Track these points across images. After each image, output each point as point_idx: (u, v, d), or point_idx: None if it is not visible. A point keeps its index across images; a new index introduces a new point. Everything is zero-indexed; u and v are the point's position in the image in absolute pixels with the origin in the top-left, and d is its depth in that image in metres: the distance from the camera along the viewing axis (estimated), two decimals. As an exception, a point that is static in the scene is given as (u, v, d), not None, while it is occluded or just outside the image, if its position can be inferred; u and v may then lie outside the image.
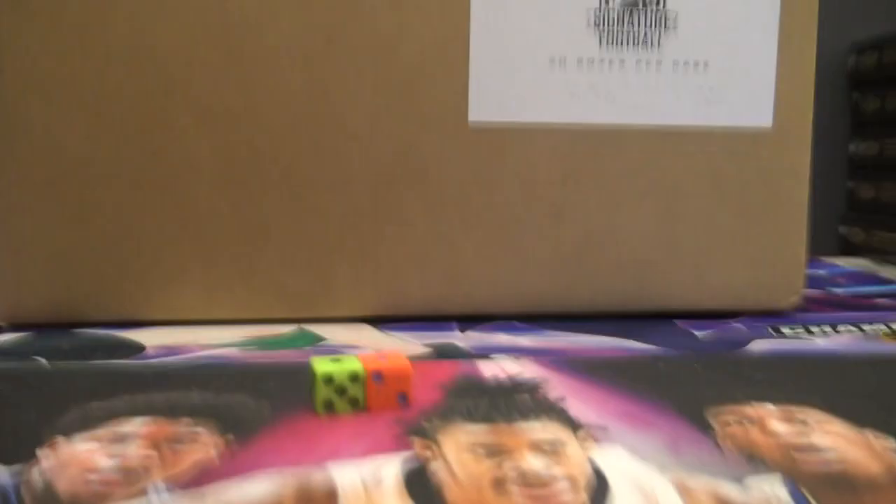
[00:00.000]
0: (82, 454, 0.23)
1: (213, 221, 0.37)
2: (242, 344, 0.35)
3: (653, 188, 0.40)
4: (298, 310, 0.38)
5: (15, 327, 0.37)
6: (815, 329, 0.39)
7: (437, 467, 0.22)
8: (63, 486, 0.21)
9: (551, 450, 0.23)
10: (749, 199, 0.40)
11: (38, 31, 0.35)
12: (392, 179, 0.38)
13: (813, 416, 0.27)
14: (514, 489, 0.21)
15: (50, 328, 0.37)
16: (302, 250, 0.38)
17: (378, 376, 0.26)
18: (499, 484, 0.21)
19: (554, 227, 0.39)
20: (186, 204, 0.37)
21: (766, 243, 0.41)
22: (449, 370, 0.31)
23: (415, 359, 0.33)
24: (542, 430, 0.25)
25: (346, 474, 0.22)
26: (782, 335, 0.38)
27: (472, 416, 0.26)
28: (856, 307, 0.44)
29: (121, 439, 0.24)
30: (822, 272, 0.55)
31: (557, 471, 0.22)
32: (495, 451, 0.23)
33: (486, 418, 0.26)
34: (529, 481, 0.21)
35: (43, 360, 0.32)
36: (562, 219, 0.39)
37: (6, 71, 0.35)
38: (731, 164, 0.40)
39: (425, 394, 0.28)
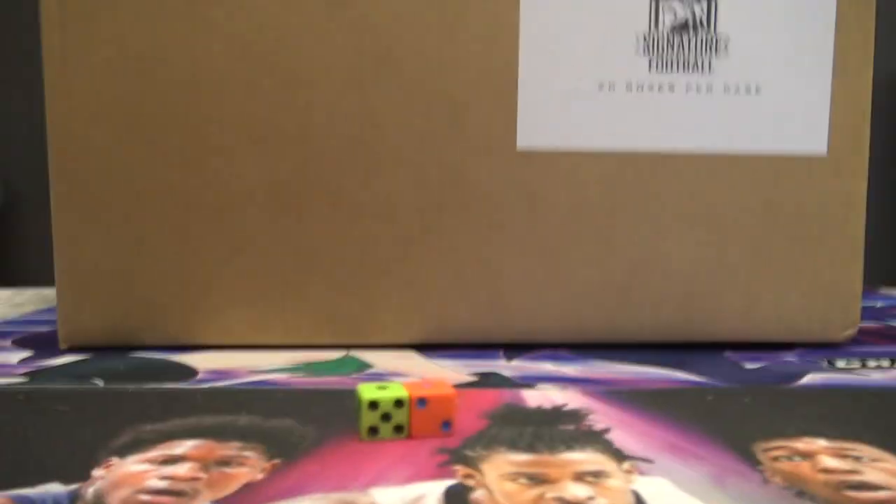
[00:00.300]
0: (135, 474, 0.23)
1: (263, 247, 0.38)
2: (290, 369, 0.36)
3: (703, 215, 0.39)
4: (346, 336, 0.39)
5: (74, 349, 0.38)
6: (871, 363, 0.38)
7: (479, 496, 0.22)
8: (115, 505, 0.22)
9: (594, 480, 0.23)
10: (803, 227, 0.40)
11: (103, 60, 0.36)
12: (440, 206, 0.38)
13: (866, 452, 0.26)
14: (556, 519, 0.21)
15: (107, 351, 0.38)
16: (350, 276, 0.38)
17: (422, 403, 0.26)
18: (541, 514, 0.21)
19: (602, 255, 0.39)
20: (237, 230, 0.38)
21: (821, 274, 0.40)
22: (493, 398, 0.31)
23: (460, 386, 0.33)
24: (585, 460, 0.25)
25: (389, 500, 0.22)
26: (837, 369, 0.37)
27: (515, 445, 0.26)
28: (914, 340, 0.42)
29: (171, 461, 0.24)
30: (878, 303, 0.53)
31: (600, 502, 0.22)
32: (538, 481, 0.23)
33: (530, 447, 0.26)
34: (571, 512, 0.21)
35: (100, 383, 0.33)
36: (610, 246, 0.39)
37: (72, 102, 0.37)
38: (785, 190, 0.40)
39: (469, 421, 0.28)
